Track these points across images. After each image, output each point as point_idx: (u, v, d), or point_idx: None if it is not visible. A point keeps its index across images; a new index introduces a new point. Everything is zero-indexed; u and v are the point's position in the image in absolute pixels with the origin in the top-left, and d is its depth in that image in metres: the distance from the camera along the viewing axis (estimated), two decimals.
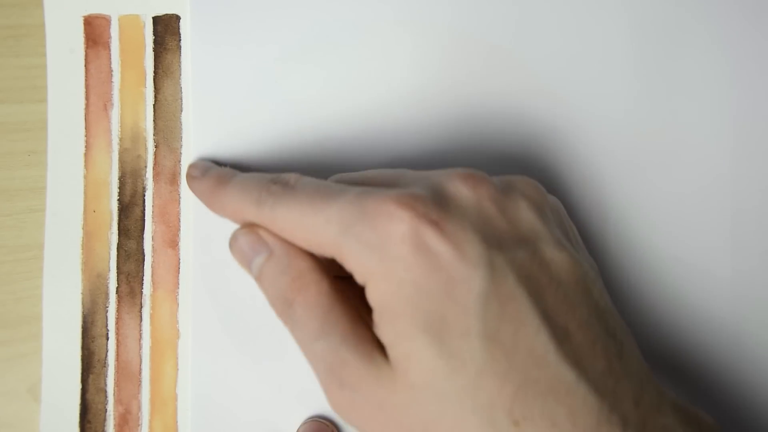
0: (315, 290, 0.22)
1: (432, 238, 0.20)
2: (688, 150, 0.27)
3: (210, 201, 0.25)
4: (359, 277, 0.21)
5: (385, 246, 0.20)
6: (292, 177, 0.23)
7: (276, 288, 0.22)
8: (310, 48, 0.27)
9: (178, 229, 0.27)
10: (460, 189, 0.21)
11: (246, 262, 0.23)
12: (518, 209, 0.22)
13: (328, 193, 0.22)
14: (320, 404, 0.27)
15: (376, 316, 0.21)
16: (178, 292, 0.27)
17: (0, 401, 0.27)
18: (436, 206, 0.21)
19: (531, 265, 0.20)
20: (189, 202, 0.27)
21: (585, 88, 0.27)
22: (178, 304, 0.27)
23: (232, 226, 0.27)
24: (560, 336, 0.20)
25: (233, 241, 0.23)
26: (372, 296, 0.21)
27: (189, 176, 0.26)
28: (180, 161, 0.27)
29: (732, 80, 0.27)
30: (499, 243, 0.21)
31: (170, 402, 0.27)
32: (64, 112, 0.27)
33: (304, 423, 0.26)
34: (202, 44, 0.27)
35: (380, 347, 0.21)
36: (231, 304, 0.27)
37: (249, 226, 0.23)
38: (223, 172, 0.25)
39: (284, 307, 0.22)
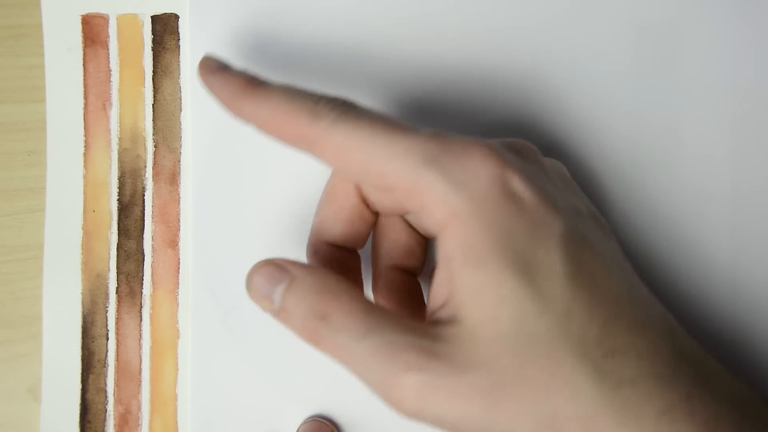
0: (348, 296, 0.21)
1: (518, 184, 0.20)
2: (688, 148, 0.27)
3: (240, 102, 0.22)
4: (439, 214, 0.20)
5: (475, 185, 0.20)
6: (347, 100, 0.21)
7: (304, 307, 0.21)
8: (309, 47, 0.27)
9: (178, 229, 0.27)
10: (520, 150, 0.22)
11: (267, 294, 0.21)
12: (558, 180, 0.23)
13: (401, 124, 0.21)
14: (320, 404, 0.27)
15: (458, 263, 0.20)
16: (178, 292, 0.27)
17: (0, 401, 0.27)
18: (515, 157, 0.21)
19: (584, 219, 0.22)
20: (189, 202, 0.27)
21: (585, 87, 0.27)
22: (178, 304, 0.27)
23: (232, 226, 0.27)
24: (626, 281, 0.21)
25: (251, 276, 0.22)
26: (455, 237, 0.20)
27: (208, 68, 0.22)
28: (179, 161, 0.27)
29: (732, 79, 0.27)
30: (561, 198, 0.22)
31: (170, 402, 0.27)
32: (63, 111, 0.27)
33: (304, 423, 0.26)
34: (201, 43, 0.27)
35: (435, 325, 0.20)
36: (231, 304, 0.27)
37: (266, 260, 0.22)
38: (254, 75, 0.22)
39: (317, 322, 0.20)
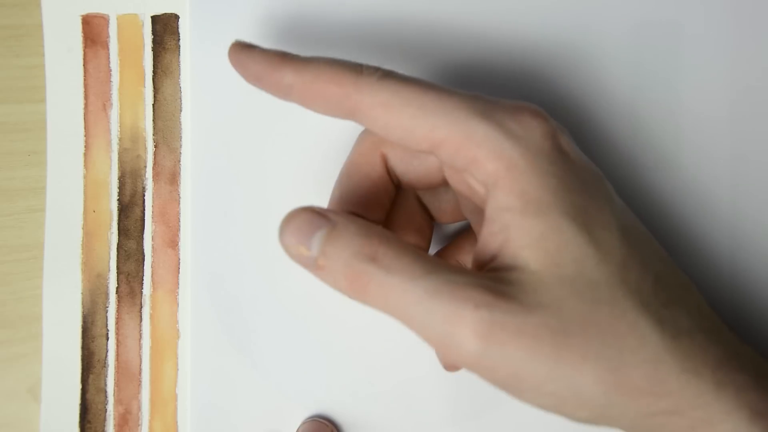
0: (397, 241, 0.20)
1: (565, 143, 0.21)
2: (688, 147, 0.27)
3: (281, 71, 0.21)
4: (493, 166, 0.20)
5: (529, 138, 0.20)
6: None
7: (349, 251, 0.19)
8: (309, 47, 0.27)
9: (178, 229, 0.27)
10: None
11: (304, 240, 0.20)
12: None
13: (445, 86, 0.21)
14: (320, 404, 0.27)
15: (516, 212, 0.20)
16: (178, 292, 0.27)
17: (0, 401, 0.27)
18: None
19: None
20: (189, 202, 0.27)
21: (585, 85, 0.27)
22: (178, 304, 0.27)
23: (232, 226, 0.27)
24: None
25: (286, 223, 0.20)
26: (511, 188, 0.20)
27: (240, 47, 0.22)
28: (179, 161, 0.27)
29: (732, 79, 0.27)
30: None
31: (170, 402, 0.27)
32: (63, 112, 0.27)
33: (304, 423, 0.26)
34: (201, 44, 0.27)
35: (493, 271, 0.20)
36: (231, 304, 0.27)
37: (302, 207, 0.20)
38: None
39: (365, 265, 0.19)
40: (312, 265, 0.20)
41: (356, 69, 0.21)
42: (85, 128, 0.27)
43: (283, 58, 0.21)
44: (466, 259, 0.25)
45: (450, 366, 0.24)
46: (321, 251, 0.20)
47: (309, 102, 0.21)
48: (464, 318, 0.18)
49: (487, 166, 0.20)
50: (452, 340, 0.19)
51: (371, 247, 0.19)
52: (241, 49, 0.22)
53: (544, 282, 0.19)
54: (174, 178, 0.27)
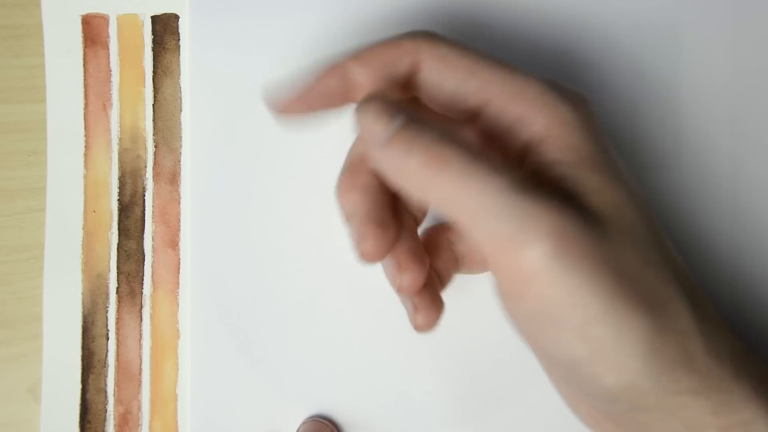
0: (466, 145, 0.19)
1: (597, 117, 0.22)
2: (688, 147, 0.27)
3: (344, 70, 0.21)
4: (544, 121, 0.20)
5: (579, 105, 0.21)
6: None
7: (435, 134, 0.19)
8: (309, 47, 0.27)
9: (178, 229, 0.27)
10: None
11: (392, 112, 0.19)
12: None
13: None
14: (320, 404, 0.27)
15: (570, 165, 0.20)
16: (178, 292, 0.27)
17: (0, 401, 0.27)
18: None
19: None
20: (189, 202, 0.27)
21: (584, 85, 0.27)
22: (178, 304, 0.27)
23: (232, 226, 0.27)
24: None
25: (366, 102, 0.20)
26: (563, 142, 0.20)
27: (286, 94, 0.22)
28: (180, 161, 0.27)
29: (732, 79, 0.27)
30: None
31: (170, 402, 0.27)
32: (63, 112, 0.27)
33: (304, 423, 0.26)
34: (201, 44, 0.27)
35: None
36: (231, 304, 0.27)
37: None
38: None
39: (450, 147, 0.19)
40: (382, 142, 0.19)
41: (411, 34, 0.21)
42: (85, 128, 0.27)
43: (333, 66, 0.21)
44: (456, 237, 0.25)
45: (419, 326, 0.23)
46: (405, 124, 0.19)
47: (373, 70, 0.21)
48: (543, 221, 0.18)
49: (538, 121, 0.20)
50: (522, 240, 0.18)
51: (458, 135, 0.19)
52: (292, 91, 0.22)
53: (606, 224, 0.19)
54: (174, 178, 0.27)
